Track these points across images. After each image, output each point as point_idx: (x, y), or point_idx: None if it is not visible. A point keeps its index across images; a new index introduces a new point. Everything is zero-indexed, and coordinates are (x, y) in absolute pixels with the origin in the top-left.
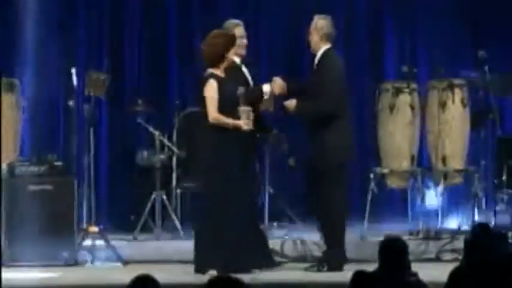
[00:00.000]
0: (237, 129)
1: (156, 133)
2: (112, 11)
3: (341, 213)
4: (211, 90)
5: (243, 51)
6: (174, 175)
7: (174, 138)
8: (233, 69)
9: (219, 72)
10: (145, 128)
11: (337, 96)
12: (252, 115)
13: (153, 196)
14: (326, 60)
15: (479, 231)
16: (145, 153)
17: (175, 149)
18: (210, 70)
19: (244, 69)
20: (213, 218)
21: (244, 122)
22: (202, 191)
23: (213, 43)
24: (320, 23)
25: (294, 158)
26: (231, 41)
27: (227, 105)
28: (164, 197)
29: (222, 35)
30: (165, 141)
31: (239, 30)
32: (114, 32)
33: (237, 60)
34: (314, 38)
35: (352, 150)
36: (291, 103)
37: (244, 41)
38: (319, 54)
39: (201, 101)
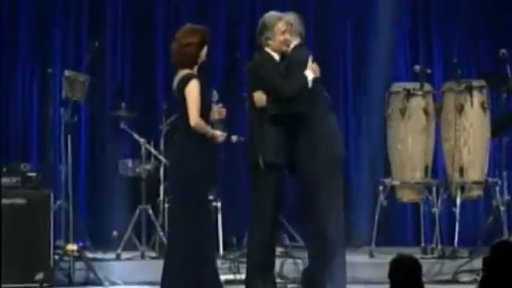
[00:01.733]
0: (213, 139)
1: (142, 140)
2: (92, 3)
3: (336, 226)
4: (194, 91)
5: (284, 48)
6: (161, 187)
7: (162, 146)
8: (271, 66)
9: (194, 72)
10: (130, 135)
11: (301, 83)
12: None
13: (138, 210)
14: (295, 53)
15: (500, 249)
16: (129, 162)
17: (162, 158)
18: (187, 71)
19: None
20: (187, 238)
21: (220, 134)
22: (177, 204)
23: (187, 42)
24: (289, 19)
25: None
26: (205, 38)
27: (202, 110)
28: (150, 211)
29: (195, 32)
30: (152, 149)
31: (281, 25)
32: (95, 27)
33: (276, 57)
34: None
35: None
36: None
37: (287, 36)
38: (289, 50)
39: (181, 102)
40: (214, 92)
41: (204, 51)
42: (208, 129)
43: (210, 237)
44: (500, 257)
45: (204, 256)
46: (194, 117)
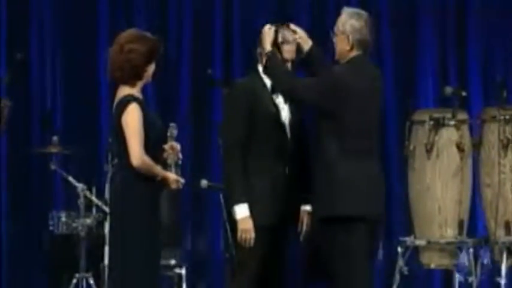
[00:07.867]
0: (164, 183)
1: (80, 186)
2: (12, 4)
3: None
4: (134, 119)
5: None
6: (106, 248)
7: (106, 193)
8: (259, 90)
9: (136, 93)
10: (63, 179)
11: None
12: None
13: (74, 280)
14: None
15: None
16: (63, 215)
17: (107, 210)
18: (127, 90)
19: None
20: None
21: (175, 178)
22: (117, 264)
23: (130, 48)
24: (350, 24)
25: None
26: (155, 50)
27: (148, 145)
28: (91, 280)
29: (143, 39)
30: (93, 197)
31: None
32: (16, 32)
33: (268, 83)
34: (340, 43)
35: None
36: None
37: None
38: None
39: (117, 134)
40: (172, 125)
41: (152, 69)
42: (157, 170)
43: None
44: None
45: None
46: (136, 153)
